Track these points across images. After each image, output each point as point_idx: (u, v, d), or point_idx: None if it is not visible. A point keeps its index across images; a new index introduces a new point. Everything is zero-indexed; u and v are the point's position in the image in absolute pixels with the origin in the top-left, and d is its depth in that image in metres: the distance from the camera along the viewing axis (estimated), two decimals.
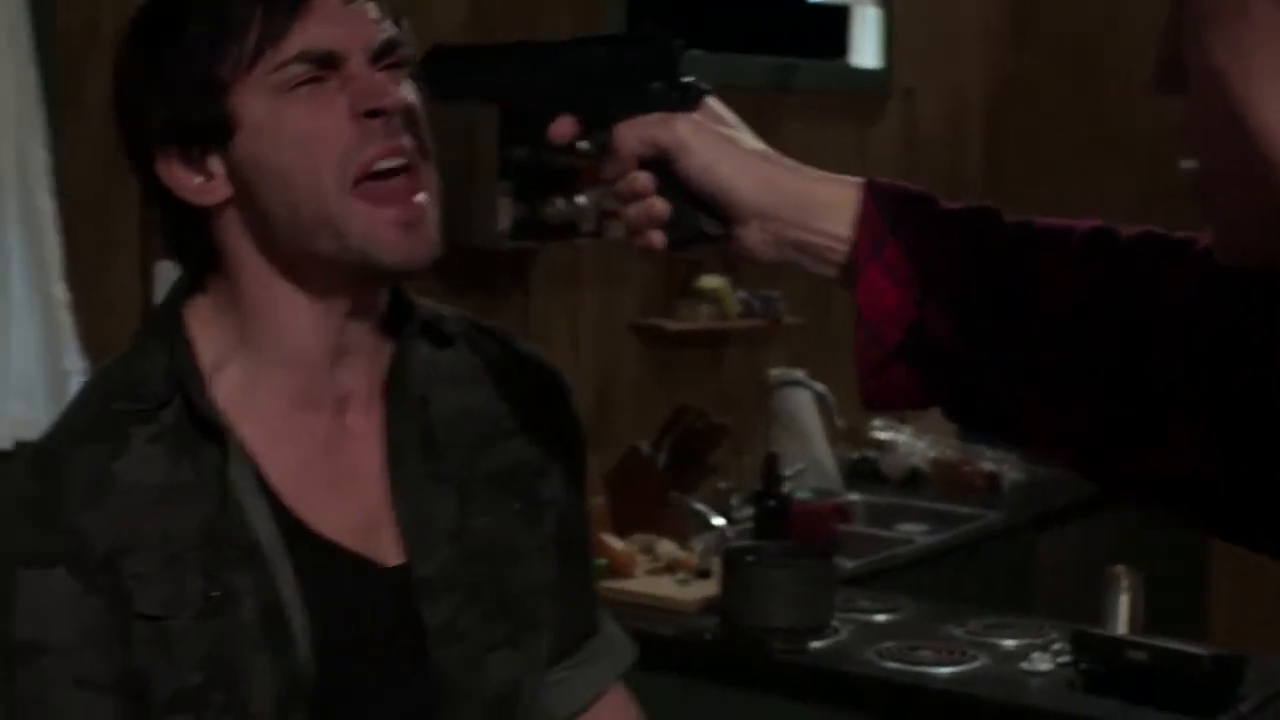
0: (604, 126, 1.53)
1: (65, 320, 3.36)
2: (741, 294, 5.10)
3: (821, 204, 1.48)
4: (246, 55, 1.58)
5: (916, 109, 5.96)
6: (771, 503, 4.43)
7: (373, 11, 1.65)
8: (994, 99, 6.33)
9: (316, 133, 1.59)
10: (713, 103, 1.54)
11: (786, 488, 4.60)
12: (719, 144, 1.49)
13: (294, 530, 1.63)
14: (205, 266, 1.68)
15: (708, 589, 4.00)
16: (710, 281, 4.99)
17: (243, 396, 1.65)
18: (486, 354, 1.82)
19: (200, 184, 1.63)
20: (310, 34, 1.59)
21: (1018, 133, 6.36)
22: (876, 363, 1.45)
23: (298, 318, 1.65)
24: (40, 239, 3.35)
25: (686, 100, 1.52)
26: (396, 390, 1.72)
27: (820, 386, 5.14)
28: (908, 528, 4.98)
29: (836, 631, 3.77)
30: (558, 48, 1.59)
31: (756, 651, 3.69)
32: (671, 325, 4.96)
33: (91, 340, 3.37)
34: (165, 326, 1.67)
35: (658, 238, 1.52)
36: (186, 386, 1.62)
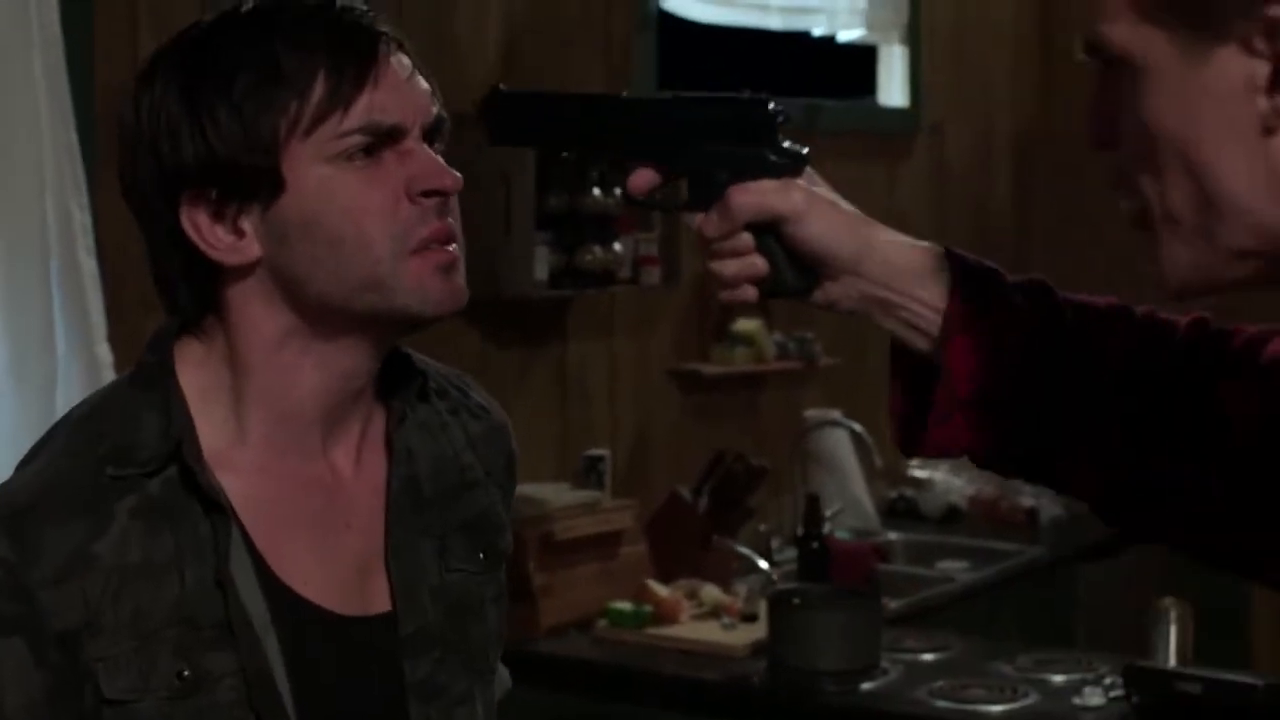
0: (701, 185, 1.58)
1: (110, 381, 3.36)
2: (776, 336, 5.10)
3: (908, 268, 1.60)
4: (307, 118, 1.56)
5: (944, 146, 5.96)
6: (815, 544, 4.43)
7: (425, 86, 1.64)
8: (1022, 135, 6.33)
9: (372, 208, 1.57)
10: (809, 168, 1.62)
11: (825, 528, 4.59)
12: (829, 211, 1.59)
13: (282, 599, 1.61)
14: (201, 312, 1.64)
15: (755, 633, 3.99)
16: (745, 325, 4.99)
17: (229, 444, 1.62)
18: (450, 401, 1.82)
19: (230, 242, 1.59)
20: (376, 104, 1.57)
21: (1046, 169, 6.35)
22: (945, 413, 1.58)
23: (302, 377, 1.63)
24: (83, 299, 3.35)
25: (794, 166, 1.59)
26: (399, 444, 1.71)
27: (857, 426, 5.14)
28: (948, 565, 4.97)
29: (886, 672, 3.77)
30: (637, 102, 1.65)
31: (807, 694, 3.69)
32: (708, 369, 4.96)
33: None
34: (157, 376, 1.62)
35: (751, 292, 1.60)
36: (184, 454, 1.58)
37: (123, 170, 1.62)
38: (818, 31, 5.56)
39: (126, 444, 1.59)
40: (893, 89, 5.83)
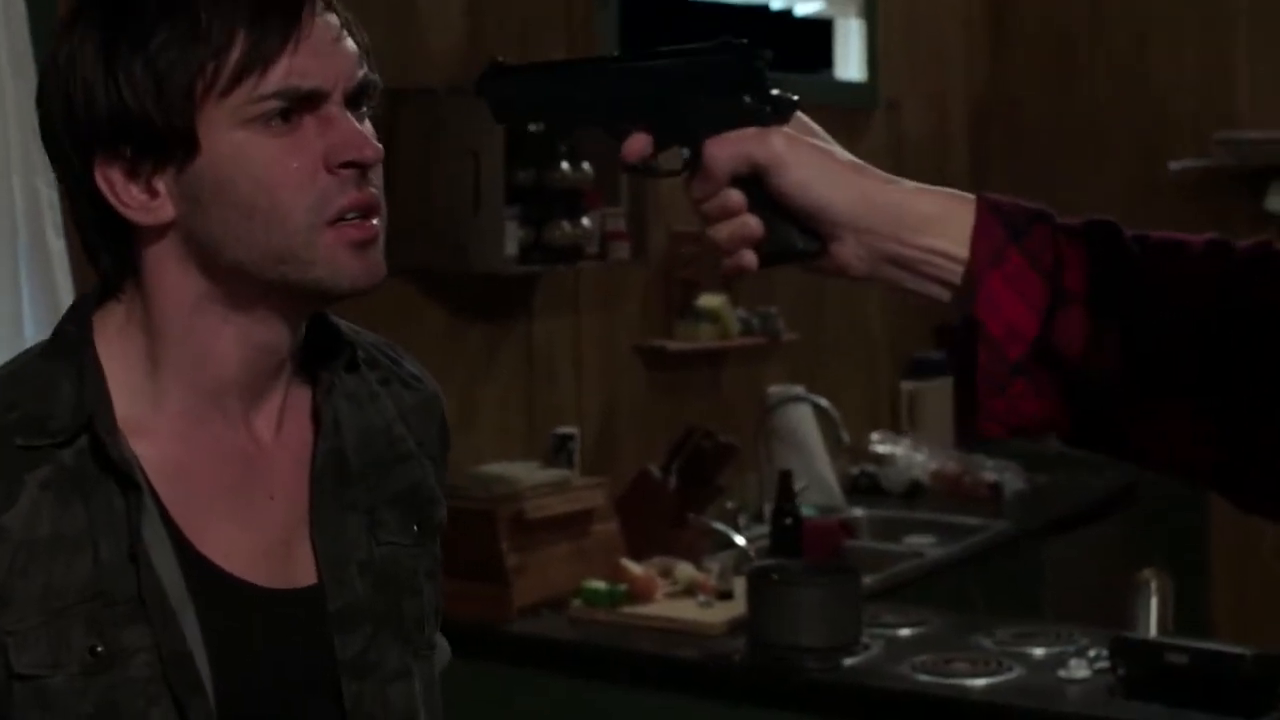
0: (686, 143, 1.46)
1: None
2: (740, 312, 5.07)
3: (920, 216, 1.44)
4: (223, 79, 1.50)
5: (902, 120, 5.95)
6: (788, 520, 4.40)
7: (353, 48, 1.57)
8: (978, 106, 6.33)
9: (288, 176, 1.52)
10: (801, 114, 1.48)
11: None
12: (815, 158, 1.44)
13: (200, 572, 1.56)
14: (121, 274, 1.59)
15: (732, 610, 3.96)
16: (710, 301, 4.96)
17: (148, 411, 1.58)
18: (382, 371, 1.77)
19: (143, 201, 1.54)
20: (296, 68, 1.51)
21: (1002, 139, 6.37)
22: (999, 381, 1.41)
23: (220, 343, 1.58)
24: (51, 278, 3.29)
25: (780, 112, 1.45)
26: (326, 416, 1.67)
27: (822, 401, 5.12)
28: (915, 540, 4.96)
29: (867, 647, 3.74)
30: (625, 62, 1.52)
31: (790, 671, 3.65)
32: (673, 345, 4.92)
33: None
34: (74, 344, 1.57)
35: (750, 258, 1.46)
36: (97, 426, 1.53)
37: (41, 119, 1.57)
38: (776, 5, 5.53)
39: (38, 414, 1.54)
40: (850, 63, 5.80)
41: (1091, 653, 3.60)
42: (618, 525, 4.35)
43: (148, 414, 1.57)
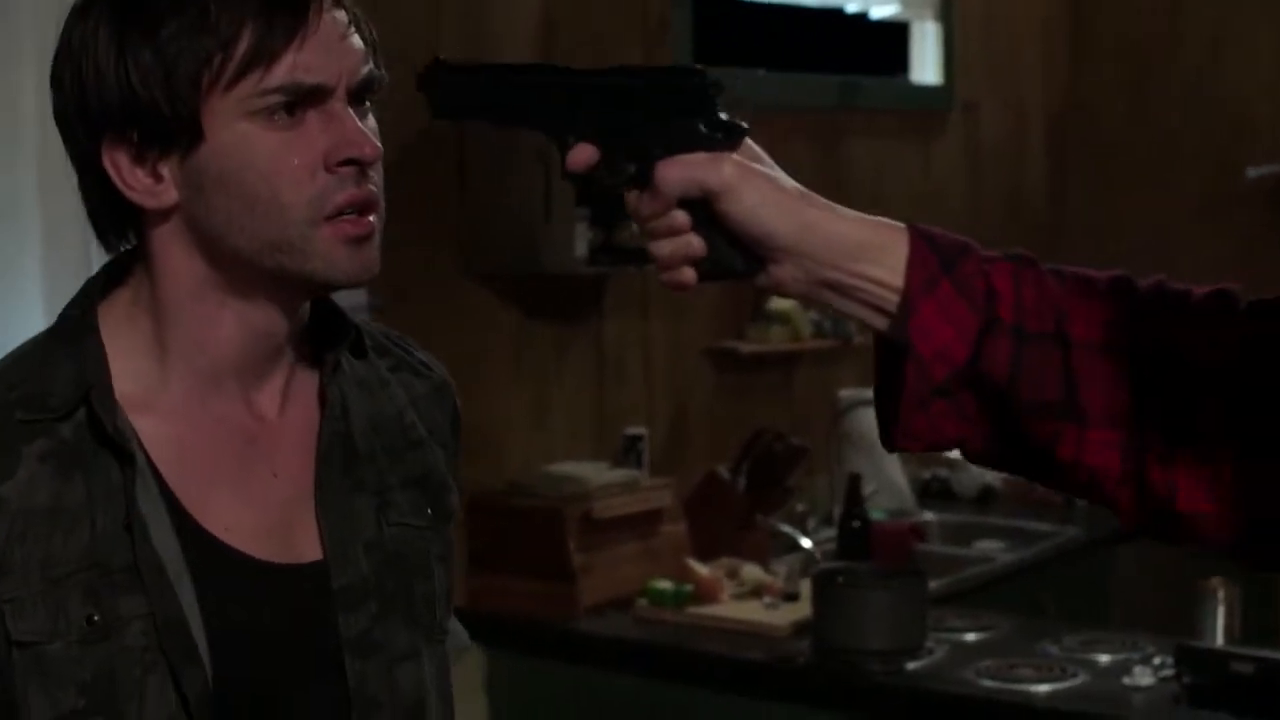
0: (636, 160, 1.51)
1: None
2: (812, 315, 5.07)
3: (857, 244, 1.50)
4: (229, 72, 1.53)
5: (979, 124, 5.93)
6: (856, 524, 4.40)
7: (359, 44, 1.60)
8: (1056, 111, 6.30)
9: (289, 170, 1.55)
10: (749, 142, 1.53)
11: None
12: (763, 186, 1.49)
13: (199, 544, 1.59)
14: (128, 262, 1.65)
15: (798, 612, 3.97)
16: (781, 303, 4.96)
17: (152, 389, 1.62)
18: (392, 360, 1.81)
19: (148, 185, 1.58)
20: (301, 64, 1.55)
21: (1080, 144, 6.32)
22: (922, 400, 1.48)
23: (222, 326, 1.62)
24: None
25: (730, 139, 1.50)
26: (330, 397, 1.70)
27: None
28: (986, 545, 4.95)
29: (931, 652, 3.75)
30: (578, 74, 1.56)
31: (853, 673, 3.66)
32: (744, 348, 4.93)
33: None
34: (78, 326, 1.62)
35: (689, 275, 1.51)
36: (94, 401, 1.57)
37: (54, 100, 1.61)
38: (851, 8, 5.53)
39: (39, 391, 1.58)
40: (926, 66, 5.79)
41: (1157, 660, 3.59)
42: (685, 526, 4.37)
43: (152, 392, 1.61)
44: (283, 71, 1.54)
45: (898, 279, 1.48)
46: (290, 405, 1.68)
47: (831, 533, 4.67)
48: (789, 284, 1.51)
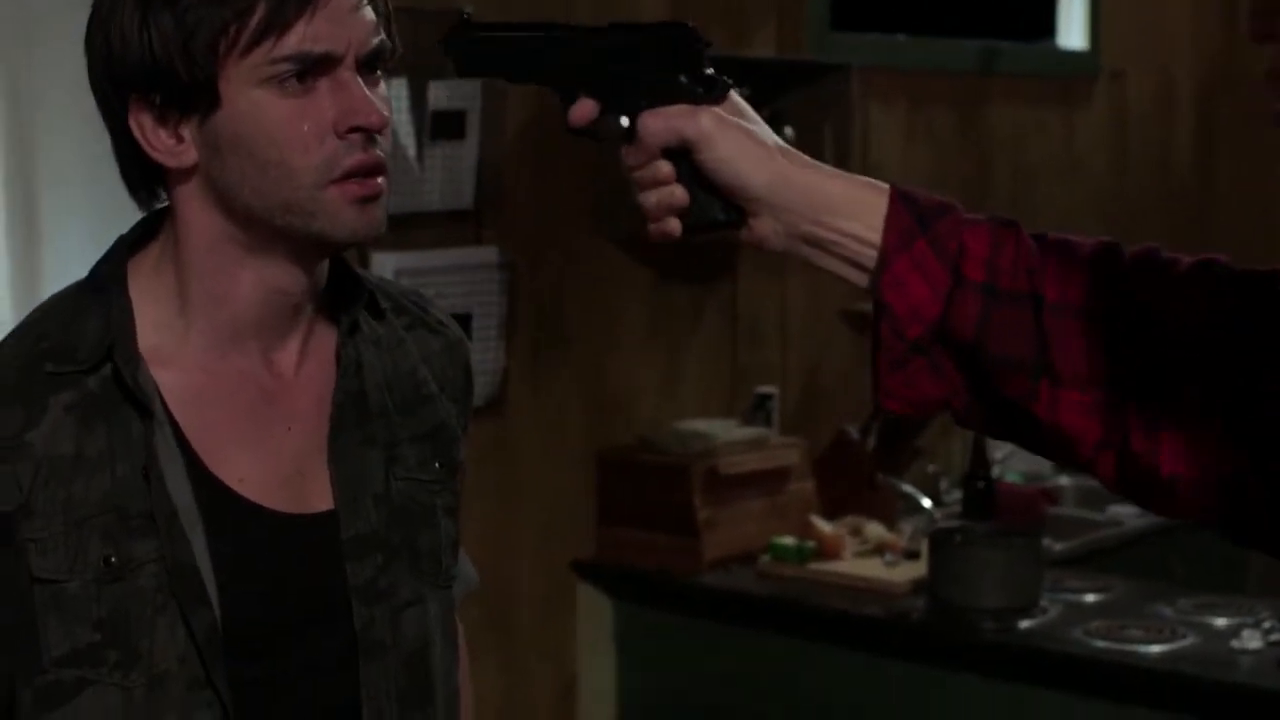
0: (626, 112, 1.57)
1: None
2: None
3: (835, 199, 1.54)
4: (244, 41, 1.60)
5: (1125, 91, 5.91)
6: (980, 484, 4.45)
7: (370, 14, 1.67)
8: (1205, 80, 6.26)
9: (299, 136, 1.63)
10: (735, 97, 1.58)
11: (995, 470, 4.60)
12: (739, 137, 1.54)
13: (213, 493, 1.67)
14: (161, 214, 1.73)
15: (916, 570, 4.03)
16: None
17: (175, 343, 1.69)
18: (409, 318, 1.88)
19: (170, 145, 1.66)
20: (311, 34, 1.61)
21: (1231, 117, 6.27)
22: (898, 357, 1.51)
23: (240, 282, 1.69)
24: None
25: (712, 93, 1.56)
26: (346, 357, 1.77)
27: None
28: (1118, 510, 4.96)
29: (1045, 611, 3.79)
30: (585, 32, 1.63)
31: (965, 631, 3.73)
32: None
33: None
34: (108, 280, 1.70)
35: (674, 225, 1.56)
36: (116, 355, 1.65)
37: (88, 62, 1.68)
38: None
39: (68, 343, 1.67)
40: (1072, 31, 5.79)
41: (1267, 624, 3.61)
42: (814, 484, 4.44)
43: (175, 346, 1.70)
44: (294, 41, 1.61)
45: (875, 235, 1.52)
46: (307, 363, 1.77)
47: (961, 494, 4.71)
48: (769, 238, 1.56)
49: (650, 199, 1.56)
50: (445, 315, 1.95)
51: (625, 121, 1.57)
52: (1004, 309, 1.49)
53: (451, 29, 1.66)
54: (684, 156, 1.54)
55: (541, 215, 4.12)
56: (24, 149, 3.29)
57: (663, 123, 1.54)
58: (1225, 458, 1.43)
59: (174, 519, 1.64)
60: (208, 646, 1.64)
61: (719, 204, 1.56)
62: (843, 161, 4.50)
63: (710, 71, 1.57)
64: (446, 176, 3.88)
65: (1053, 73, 5.72)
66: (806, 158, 1.57)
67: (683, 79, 1.56)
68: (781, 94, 4.53)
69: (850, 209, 1.53)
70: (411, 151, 3.80)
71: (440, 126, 3.82)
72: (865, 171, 5.00)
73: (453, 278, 3.89)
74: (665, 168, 1.55)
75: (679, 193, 1.55)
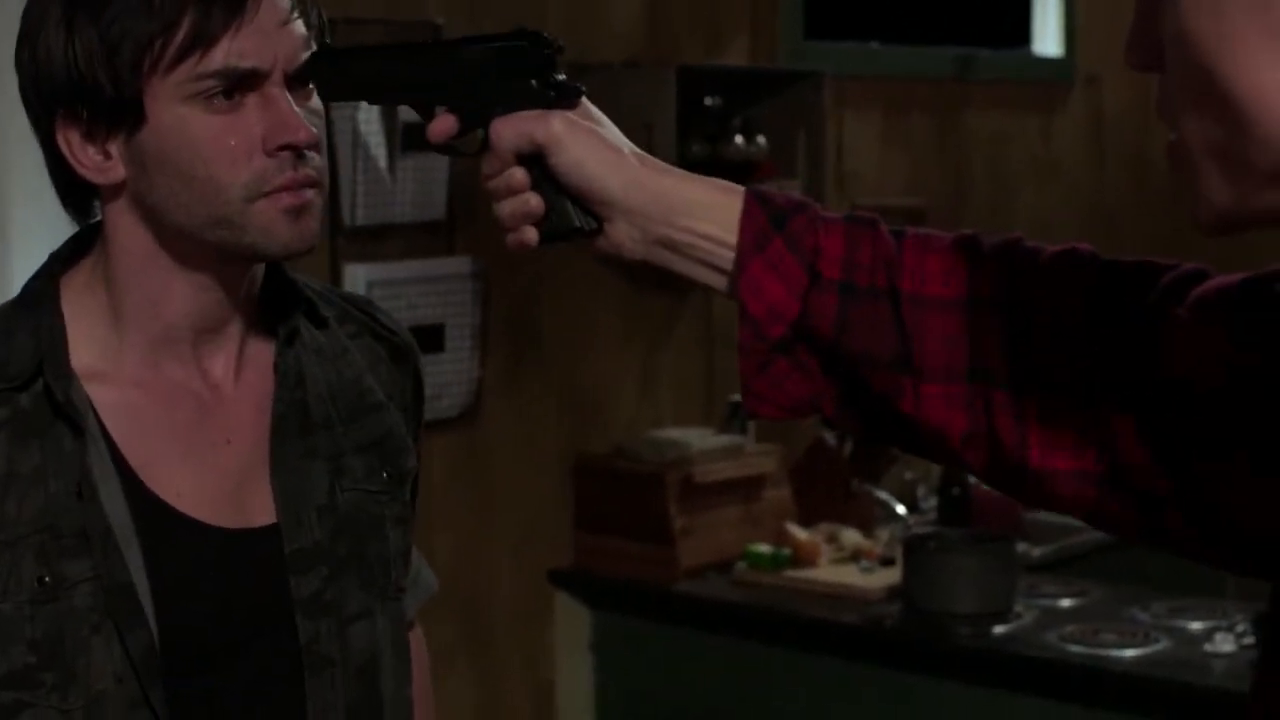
0: (482, 124, 1.56)
1: None
2: None
3: (689, 202, 1.51)
4: (168, 57, 1.58)
5: (1102, 97, 5.92)
6: (955, 490, 4.46)
7: (301, 28, 1.65)
8: None
9: (226, 153, 1.61)
10: (588, 104, 1.57)
11: (972, 476, 4.60)
12: (590, 140, 1.51)
13: (149, 509, 1.65)
14: (94, 228, 1.71)
15: (891, 577, 4.03)
16: None
17: (109, 358, 1.68)
18: (355, 325, 1.86)
19: (97, 162, 1.63)
20: (236, 49, 1.59)
21: None
22: (760, 360, 1.48)
23: (172, 295, 1.68)
24: None
25: (562, 98, 1.55)
26: (284, 367, 1.75)
27: None
28: None
29: (1020, 616, 3.80)
30: (438, 47, 1.64)
31: (940, 636, 3.73)
32: None
33: None
34: (39, 296, 1.68)
35: (530, 234, 1.54)
36: (46, 371, 1.63)
37: (18, 74, 1.66)
38: None
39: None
40: (1048, 38, 5.80)
41: (1240, 628, 3.61)
42: (791, 492, 4.45)
43: (109, 362, 1.69)
44: (219, 56, 1.59)
45: (731, 235, 1.49)
46: (245, 374, 1.75)
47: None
48: (626, 244, 1.53)
49: (505, 208, 1.54)
50: (394, 321, 1.93)
51: (481, 133, 1.56)
52: (862, 306, 1.47)
53: (310, 56, 1.65)
54: (538, 163, 1.53)
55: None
56: None
57: (513, 127, 1.52)
58: (1094, 445, 1.41)
59: (108, 536, 1.63)
60: (144, 665, 1.62)
61: (576, 211, 1.53)
62: (816, 170, 4.52)
63: (562, 77, 1.56)
64: (418, 188, 3.89)
65: (1029, 78, 5.73)
66: (661, 163, 1.55)
67: (534, 84, 1.55)
68: (754, 103, 4.54)
69: (705, 211, 1.50)
70: (383, 163, 3.81)
71: (411, 139, 3.82)
72: (840, 180, 5.04)
73: (425, 288, 3.90)
74: (519, 174, 1.53)
75: (534, 200, 1.53)
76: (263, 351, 1.77)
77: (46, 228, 3.28)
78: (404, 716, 1.83)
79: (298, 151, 1.63)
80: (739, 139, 4.36)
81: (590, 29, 4.28)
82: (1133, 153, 6.07)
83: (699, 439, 4.34)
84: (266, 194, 1.63)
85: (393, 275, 3.83)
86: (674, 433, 4.38)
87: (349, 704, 1.74)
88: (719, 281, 1.51)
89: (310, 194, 1.66)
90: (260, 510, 1.72)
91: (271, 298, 1.78)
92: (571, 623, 4.32)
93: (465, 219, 4.02)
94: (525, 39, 1.58)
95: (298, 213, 1.65)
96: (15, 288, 3.12)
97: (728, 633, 4.09)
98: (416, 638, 1.97)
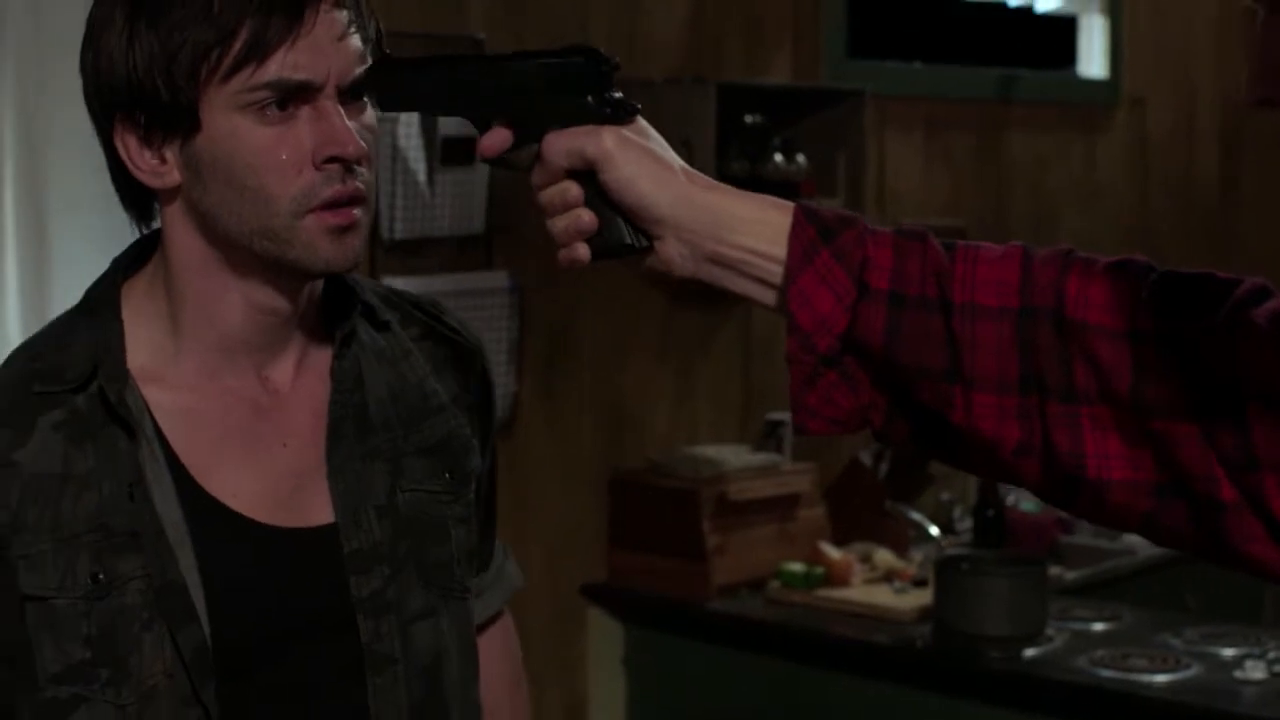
0: (535, 138, 1.56)
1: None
2: None
3: (738, 219, 1.51)
4: (225, 66, 1.60)
5: (1146, 119, 5.91)
6: (990, 512, 4.45)
7: (357, 42, 1.66)
8: (1229, 108, 6.23)
9: (276, 165, 1.63)
10: (643, 122, 1.57)
11: (1010, 498, 4.61)
12: (641, 157, 1.52)
13: (203, 509, 1.67)
14: (154, 235, 1.73)
15: (923, 597, 4.03)
16: None
17: (165, 361, 1.70)
18: (418, 328, 1.87)
19: (154, 166, 1.66)
20: (291, 61, 1.61)
21: (1255, 143, 6.25)
22: (809, 373, 1.48)
23: (227, 306, 1.70)
24: None
25: (617, 115, 1.55)
26: (340, 369, 1.77)
27: None
28: (1131, 539, 4.94)
29: (1051, 640, 3.79)
30: (495, 60, 1.63)
31: (970, 658, 3.73)
32: None
33: None
34: (100, 301, 1.72)
35: (583, 250, 1.54)
36: (101, 374, 1.66)
37: (82, 77, 1.69)
38: (1014, 1, 5.55)
39: (58, 363, 1.68)
40: (1093, 60, 5.79)
41: (1272, 655, 3.60)
42: (825, 511, 4.45)
43: (166, 366, 1.71)
44: (273, 68, 1.61)
45: (780, 250, 1.49)
46: (303, 378, 1.77)
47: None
48: (676, 261, 1.53)
49: (558, 224, 1.55)
50: (461, 323, 1.93)
51: (535, 148, 1.57)
52: (911, 316, 1.47)
53: (369, 67, 1.66)
54: (590, 179, 1.53)
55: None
56: (35, 174, 3.32)
57: (565, 142, 1.52)
58: (1152, 455, 1.41)
59: (160, 536, 1.65)
60: (195, 663, 1.64)
61: (628, 228, 1.54)
62: (857, 189, 4.52)
63: (618, 94, 1.56)
64: (457, 202, 3.91)
65: (1073, 100, 5.72)
66: (709, 179, 1.55)
67: (590, 101, 1.54)
68: (795, 121, 4.54)
69: (754, 227, 1.51)
70: (422, 177, 3.83)
71: (451, 153, 3.84)
72: (881, 199, 5.05)
73: (463, 302, 3.91)
74: (573, 190, 1.53)
75: (587, 216, 1.53)
76: (322, 356, 1.79)
77: (85, 237, 3.34)
78: (471, 717, 1.84)
79: (347, 165, 1.65)
80: (779, 157, 4.36)
81: (631, 44, 4.29)
82: (1177, 176, 6.06)
83: (734, 456, 4.34)
84: (314, 209, 1.64)
85: (430, 289, 3.85)
86: (709, 449, 4.38)
87: (412, 704, 1.75)
88: (769, 297, 1.52)
89: (357, 212, 1.67)
90: (318, 511, 1.74)
91: (330, 302, 1.80)
92: (604, 638, 4.33)
93: (503, 233, 4.03)
94: (582, 54, 1.57)
95: (343, 231, 1.66)
96: (55, 295, 3.19)
97: (759, 650, 4.09)
98: (506, 630, 2.00)
